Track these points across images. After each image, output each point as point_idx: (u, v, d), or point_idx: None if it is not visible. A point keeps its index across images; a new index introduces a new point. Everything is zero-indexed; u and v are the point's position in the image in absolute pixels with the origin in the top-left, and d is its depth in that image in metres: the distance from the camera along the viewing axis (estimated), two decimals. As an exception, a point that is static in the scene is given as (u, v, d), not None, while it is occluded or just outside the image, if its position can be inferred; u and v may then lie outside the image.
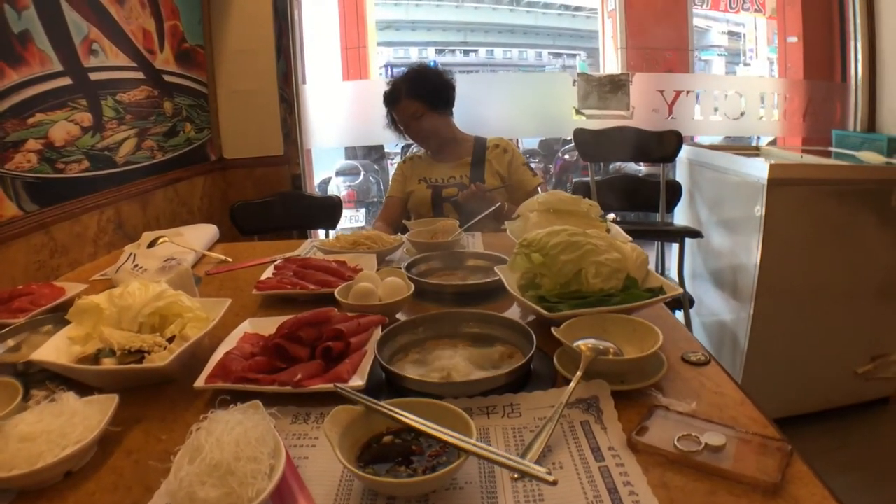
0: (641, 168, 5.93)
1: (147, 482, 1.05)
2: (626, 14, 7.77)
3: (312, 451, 1.07)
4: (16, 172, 2.34)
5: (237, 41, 3.82)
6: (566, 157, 7.49)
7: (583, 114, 4.18)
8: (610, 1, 8.43)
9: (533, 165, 8.15)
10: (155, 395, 1.33)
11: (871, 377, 3.12)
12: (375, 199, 7.05)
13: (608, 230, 1.96)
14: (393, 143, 4.61)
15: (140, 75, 3.14)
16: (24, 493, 1.05)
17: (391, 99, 3.10)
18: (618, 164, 6.31)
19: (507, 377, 1.18)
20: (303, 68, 4.07)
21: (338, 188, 7.01)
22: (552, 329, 1.25)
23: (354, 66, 8.91)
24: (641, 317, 1.33)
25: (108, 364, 1.36)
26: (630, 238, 1.89)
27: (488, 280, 1.71)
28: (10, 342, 1.64)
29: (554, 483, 0.86)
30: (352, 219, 6.71)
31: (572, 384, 1.10)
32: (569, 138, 3.96)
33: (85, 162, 2.72)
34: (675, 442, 0.95)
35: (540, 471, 0.87)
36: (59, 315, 1.75)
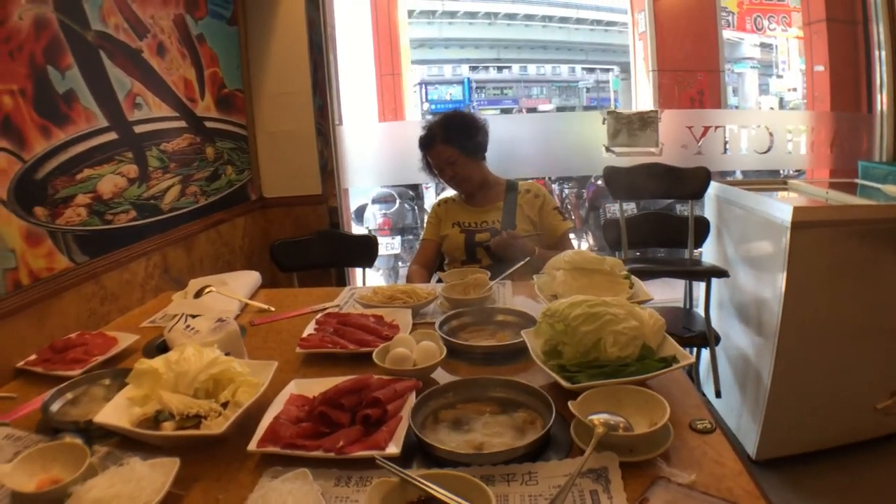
0: (672, 203, 5.96)
1: None
2: (657, 36, 7.80)
3: None
4: (66, 227, 2.46)
5: (275, 83, 3.94)
6: (599, 183, 7.52)
7: (612, 151, 4.25)
8: (641, 23, 8.46)
9: (566, 192, 8.14)
10: (210, 457, 1.43)
11: (891, 412, 3.16)
12: (412, 233, 7.04)
13: (631, 286, 2.05)
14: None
15: (182, 124, 3.28)
16: None
17: (426, 143, 3.16)
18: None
19: (527, 448, 1.27)
20: (339, 105, 4.19)
21: (374, 216, 7.05)
22: (570, 403, 1.33)
23: (389, 91, 8.98)
24: (657, 381, 1.40)
25: (168, 427, 1.47)
26: (652, 297, 1.97)
27: (515, 342, 1.80)
28: (69, 395, 1.76)
29: None
30: (387, 247, 6.72)
31: (584, 458, 1.18)
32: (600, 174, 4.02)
33: (132, 212, 2.85)
34: None
35: None
36: (115, 370, 1.88)
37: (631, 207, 4.23)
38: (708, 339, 3.24)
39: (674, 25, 7.88)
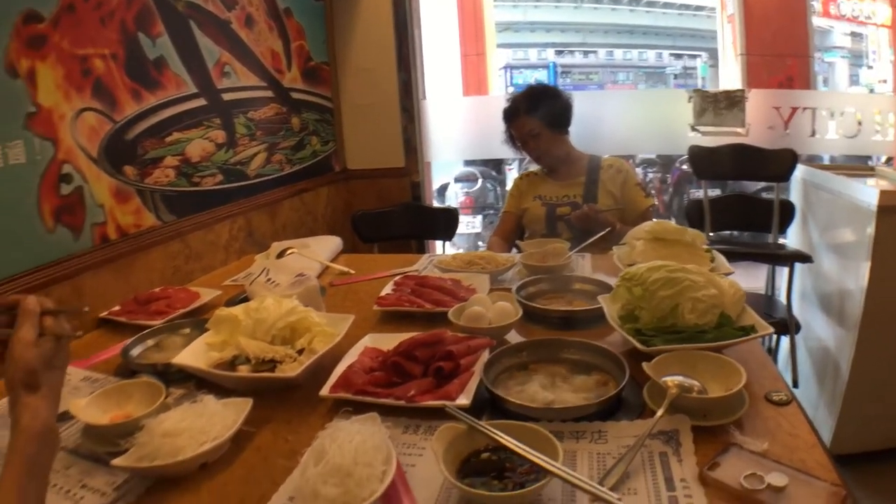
0: (758, 185, 5.75)
1: (274, 477, 1.18)
2: (745, 19, 7.55)
3: (419, 459, 1.18)
4: (154, 186, 2.55)
5: (360, 57, 3.97)
6: (683, 167, 7.32)
7: (698, 130, 4.13)
8: (729, 5, 8.21)
9: (650, 176, 7.95)
10: (283, 400, 1.46)
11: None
12: (492, 208, 7.02)
13: (712, 259, 1.98)
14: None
15: (269, 94, 3.34)
16: (162, 480, 1.20)
17: (510, 115, 3.13)
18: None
19: (598, 405, 1.25)
20: (423, 81, 4.18)
21: (455, 195, 7.04)
22: (643, 364, 1.29)
23: (473, 72, 8.94)
24: (733, 352, 1.35)
25: (244, 371, 1.51)
26: (732, 270, 1.90)
27: (591, 307, 1.76)
28: (150, 342, 1.82)
29: None
30: (468, 225, 6.68)
31: (655, 418, 1.16)
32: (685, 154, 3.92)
33: (219, 176, 2.93)
34: (742, 479, 0.99)
35: (612, 496, 0.96)
36: (195, 319, 1.93)
37: (716, 193, 4.09)
38: (788, 326, 3.12)
39: (763, 8, 7.60)
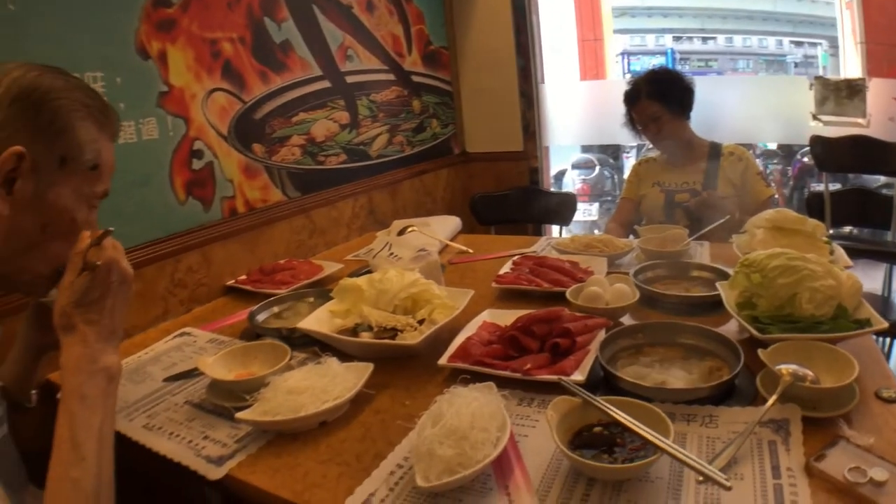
0: (880, 179, 5.41)
1: (390, 437, 1.22)
2: (864, 6, 7.13)
3: (532, 430, 1.20)
4: (281, 164, 2.65)
5: (479, 41, 3.95)
6: (804, 159, 6.98)
7: (819, 119, 3.92)
8: None
9: (770, 168, 7.62)
10: (402, 367, 1.49)
11: None
12: (609, 195, 6.89)
13: (832, 251, 1.89)
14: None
15: (391, 77, 3.37)
16: (282, 435, 1.26)
17: (631, 98, 3.00)
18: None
19: (711, 390, 1.22)
20: (541, 65, 4.14)
21: (573, 181, 6.94)
22: (759, 351, 1.26)
23: (591, 58, 8.81)
24: (847, 346, 1.29)
25: (366, 337, 1.55)
26: (851, 263, 1.81)
27: (709, 294, 1.72)
28: (275, 309, 1.91)
29: (729, 488, 0.93)
30: (585, 213, 6.56)
31: (767, 405, 1.12)
32: (806, 143, 3.74)
33: (342, 155, 3.00)
34: (846, 472, 0.96)
35: (720, 476, 0.94)
36: (320, 289, 1.99)
37: (837, 187, 3.87)
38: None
39: None
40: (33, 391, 1.37)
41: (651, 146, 3.18)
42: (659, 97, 2.91)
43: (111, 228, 1.10)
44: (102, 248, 1.08)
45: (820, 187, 3.52)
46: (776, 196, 2.84)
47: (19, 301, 1.67)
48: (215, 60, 2.34)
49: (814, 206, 3.36)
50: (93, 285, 1.06)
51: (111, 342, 1.07)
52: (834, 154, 3.47)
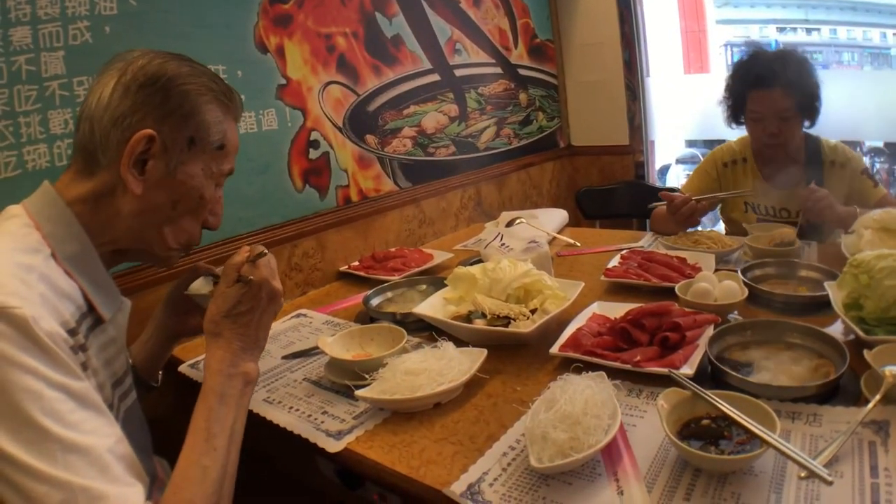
0: None
1: (502, 420, 1.26)
2: None
3: (640, 420, 1.23)
4: (393, 155, 2.72)
5: (584, 34, 3.93)
6: None
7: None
8: None
9: (878, 166, 7.27)
10: (513, 355, 1.52)
11: None
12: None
13: None
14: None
15: (498, 70, 3.40)
16: (399, 413, 1.32)
17: (760, 80, 2.35)
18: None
19: (817, 389, 1.22)
20: (646, 59, 4.08)
21: (677, 176, 6.84)
22: (864, 352, 1.24)
23: (695, 49, 8.58)
24: None
25: (480, 324, 1.58)
26: None
27: (816, 294, 1.70)
28: (389, 294, 1.97)
29: (830, 483, 0.95)
30: (689, 209, 6.44)
31: (870, 406, 1.12)
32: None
33: (451, 147, 3.05)
34: None
35: (823, 471, 0.96)
36: (433, 277, 2.05)
37: None
38: None
39: None
40: (160, 372, 1.47)
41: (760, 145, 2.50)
42: (795, 91, 2.32)
43: (266, 251, 1.20)
44: (257, 266, 1.17)
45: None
46: (890, 194, 2.38)
47: (148, 277, 1.81)
48: (330, 54, 2.42)
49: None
50: (243, 299, 1.16)
51: (252, 352, 1.16)
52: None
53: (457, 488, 1.05)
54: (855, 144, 2.23)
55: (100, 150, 1.04)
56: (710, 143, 7.13)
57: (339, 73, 2.45)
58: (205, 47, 1.99)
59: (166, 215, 1.12)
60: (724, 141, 2.66)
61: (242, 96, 2.01)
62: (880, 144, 7.27)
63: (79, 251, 1.04)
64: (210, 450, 1.01)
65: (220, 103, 1.15)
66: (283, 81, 2.25)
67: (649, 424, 1.19)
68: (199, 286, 1.31)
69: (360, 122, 2.54)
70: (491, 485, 1.06)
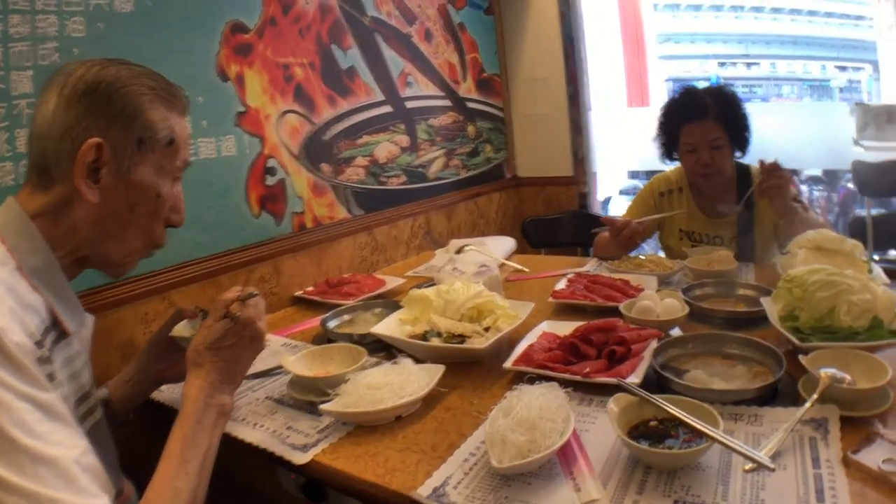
0: None
1: (462, 429, 1.34)
2: None
3: (592, 426, 1.31)
4: (347, 183, 2.79)
5: (529, 69, 4.04)
6: (849, 185, 6.88)
7: (861, 145, 3.93)
8: (887, 13, 7.61)
9: (816, 194, 7.48)
10: (469, 371, 1.60)
11: None
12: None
13: (870, 270, 1.94)
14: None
15: (448, 103, 3.51)
16: (362, 426, 1.37)
17: (692, 113, 2.46)
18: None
19: (757, 392, 1.32)
20: (589, 93, 4.21)
21: (619, 207, 6.98)
22: (800, 357, 1.35)
23: (636, 84, 8.76)
24: (881, 355, 1.36)
25: (436, 342, 1.66)
26: (888, 281, 1.86)
27: (754, 310, 1.80)
28: (346, 317, 2.03)
29: (772, 469, 1.06)
30: (632, 239, 6.55)
31: (808, 404, 1.22)
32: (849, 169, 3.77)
33: (403, 177, 3.13)
34: (880, 463, 1.05)
35: (765, 459, 1.06)
36: (387, 300, 2.11)
37: (880, 212, 3.86)
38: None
39: None
40: (132, 413, 1.49)
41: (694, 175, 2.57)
42: (726, 122, 2.43)
43: (256, 292, 1.26)
44: (246, 305, 1.23)
45: (861, 214, 3.54)
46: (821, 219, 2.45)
47: (108, 298, 1.85)
48: (288, 84, 2.49)
49: (856, 230, 3.39)
50: (227, 334, 1.20)
51: (229, 385, 1.21)
52: (875, 179, 3.51)
53: (423, 491, 1.12)
54: (793, 173, 2.28)
55: (52, 165, 1.06)
56: (651, 174, 7.22)
57: (296, 103, 2.52)
58: (169, 73, 2.01)
59: (126, 219, 1.14)
60: (663, 171, 2.76)
61: (203, 122, 2.12)
62: (819, 172, 7.53)
63: (43, 264, 1.06)
64: (183, 473, 1.04)
65: (163, 100, 1.17)
66: (243, 109, 2.30)
67: (601, 429, 1.27)
68: (183, 329, 1.36)
69: (315, 151, 2.61)
70: (455, 487, 1.12)
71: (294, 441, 1.34)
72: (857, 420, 1.20)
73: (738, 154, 2.53)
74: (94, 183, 1.07)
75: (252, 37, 2.35)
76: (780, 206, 2.28)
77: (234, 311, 1.21)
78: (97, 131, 1.06)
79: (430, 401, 1.44)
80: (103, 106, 1.08)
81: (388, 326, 1.75)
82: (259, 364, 1.73)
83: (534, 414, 1.17)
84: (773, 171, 2.25)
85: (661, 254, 2.80)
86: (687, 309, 1.78)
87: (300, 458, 1.28)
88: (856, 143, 3.86)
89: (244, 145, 2.30)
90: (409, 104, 3.19)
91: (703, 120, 2.42)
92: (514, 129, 4.11)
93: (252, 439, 1.37)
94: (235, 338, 1.21)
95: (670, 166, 2.75)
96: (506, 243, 2.94)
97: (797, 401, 1.29)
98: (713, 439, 1.09)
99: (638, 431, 1.19)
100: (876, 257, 3.38)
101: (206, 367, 1.18)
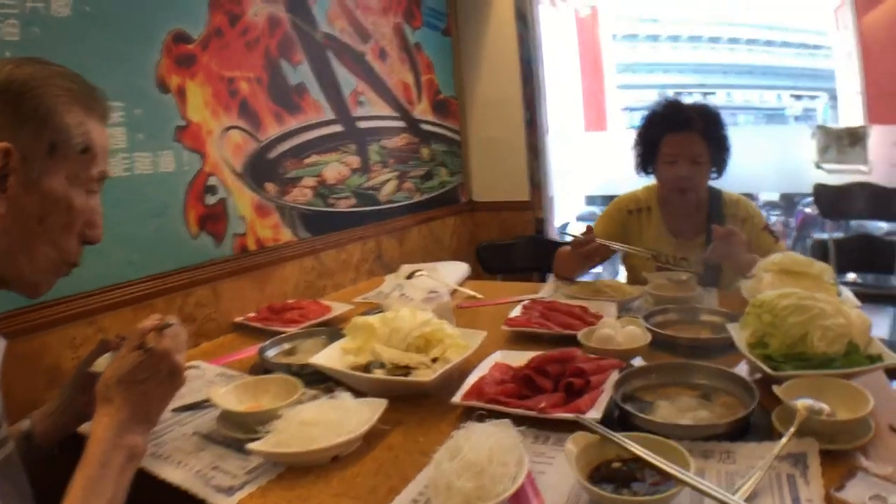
0: (883, 226, 5.45)
1: (404, 472, 1.21)
2: (863, 55, 7.17)
3: (548, 467, 1.20)
4: (293, 204, 2.67)
5: (487, 92, 4.00)
6: (807, 210, 6.98)
7: (822, 167, 3.96)
8: (844, 42, 7.74)
9: (773, 219, 7.56)
10: (415, 405, 1.48)
11: None
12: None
13: (839, 293, 1.89)
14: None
15: (401, 124, 3.42)
16: (294, 467, 1.25)
17: (677, 123, 2.43)
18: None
19: (728, 426, 1.23)
20: (546, 118, 4.17)
21: (577, 231, 6.98)
22: (774, 387, 1.27)
23: (596, 109, 8.83)
24: (858, 382, 1.31)
25: (379, 374, 1.54)
26: (859, 304, 1.81)
27: (720, 336, 1.72)
28: (286, 346, 1.90)
29: None
30: (589, 264, 6.57)
31: (785, 439, 1.13)
32: (808, 192, 3.79)
33: (352, 199, 3.02)
34: (867, 500, 0.98)
35: (740, 503, 0.96)
36: (331, 328, 1.99)
37: (839, 235, 3.89)
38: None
39: (881, 44, 7.20)
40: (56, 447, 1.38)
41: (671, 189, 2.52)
42: (709, 139, 2.41)
43: (175, 321, 1.15)
44: (163, 335, 1.12)
45: (823, 237, 3.54)
46: (787, 250, 2.47)
47: (36, 321, 1.74)
48: (232, 98, 2.38)
49: (818, 253, 3.37)
50: (141, 367, 1.09)
51: (142, 425, 1.10)
52: (837, 201, 3.52)
53: (357, 545, 1.00)
54: (751, 198, 2.33)
55: None
56: (608, 200, 7.31)
57: (240, 118, 2.41)
58: (104, 82, 1.89)
59: (35, 232, 1.04)
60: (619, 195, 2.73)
61: (140, 135, 1.99)
62: (776, 197, 7.61)
63: None
64: None
65: (81, 103, 1.08)
66: (183, 123, 2.18)
67: (558, 471, 1.16)
68: (104, 363, 1.23)
69: (259, 170, 2.49)
70: (394, 540, 1.01)
71: (220, 483, 1.22)
72: (836, 454, 1.13)
73: (714, 175, 2.50)
74: (1, 191, 0.98)
75: (196, 47, 2.23)
76: (735, 266, 2.27)
77: (149, 342, 1.09)
78: (6, 135, 0.98)
79: (371, 438, 1.32)
80: (13, 108, 0.99)
81: (330, 356, 1.64)
82: (190, 396, 1.63)
83: (483, 456, 1.05)
84: (727, 232, 2.23)
85: (622, 273, 2.79)
86: (649, 337, 1.71)
87: (224, 503, 1.16)
88: (817, 166, 3.88)
89: (183, 161, 2.18)
90: (361, 124, 3.09)
91: (687, 132, 2.39)
92: (471, 153, 4.04)
93: (174, 479, 1.25)
94: (150, 371, 1.09)
95: (632, 188, 2.71)
96: (459, 269, 2.85)
97: (772, 435, 1.21)
98: (683, 483, 0.99)
99: (600, 474, 1.09)
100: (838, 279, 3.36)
101: (116, 404, 1.06)
